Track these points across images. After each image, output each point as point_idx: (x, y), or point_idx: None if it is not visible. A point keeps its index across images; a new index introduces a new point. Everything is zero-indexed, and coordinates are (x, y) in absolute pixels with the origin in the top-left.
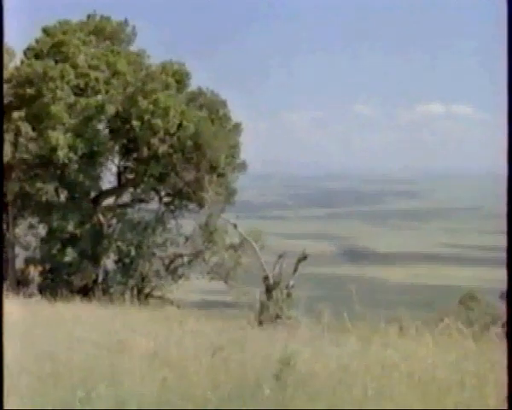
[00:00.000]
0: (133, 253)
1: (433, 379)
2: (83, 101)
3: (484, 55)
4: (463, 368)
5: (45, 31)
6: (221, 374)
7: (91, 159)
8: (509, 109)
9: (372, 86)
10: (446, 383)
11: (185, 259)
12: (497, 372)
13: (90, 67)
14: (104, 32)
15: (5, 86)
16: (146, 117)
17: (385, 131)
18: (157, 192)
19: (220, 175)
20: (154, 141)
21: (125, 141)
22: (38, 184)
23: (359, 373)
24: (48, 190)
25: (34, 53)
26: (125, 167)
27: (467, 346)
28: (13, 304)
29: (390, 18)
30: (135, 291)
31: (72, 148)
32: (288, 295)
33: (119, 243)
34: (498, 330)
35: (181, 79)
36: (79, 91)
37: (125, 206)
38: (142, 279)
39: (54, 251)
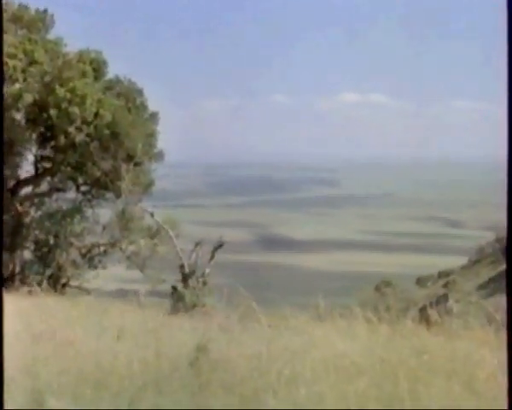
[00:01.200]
0: (51, 242)
1: (346, 365)
2: None
3: (395, 44)
4: (377, 354)
5: None
6: (137, 363)
7: (10, 148)
8: (508, 106)
9: (290, 75)
10: (360, 368)
11: (102, 248)
12: (411, 357)
13: (7, 55)
14: (22, 20)
15: None
16: (63, 105)
17: (303, 120)
18: (74, 181)
19: (137, 164)
20: (71, 129)
21: (42, 129)
22: None
23: (273, 359)
24: None
25: None
26: (42, 156)
27: (382, 332)
28: None
29: (307, 6)
30: (52, 281)
31: None
32: (204, 283)
33: (37, 233)
34: (414, 315)
35: (98, 67)
36: None
37: (42, 195)
38: (59, 269)
39: None
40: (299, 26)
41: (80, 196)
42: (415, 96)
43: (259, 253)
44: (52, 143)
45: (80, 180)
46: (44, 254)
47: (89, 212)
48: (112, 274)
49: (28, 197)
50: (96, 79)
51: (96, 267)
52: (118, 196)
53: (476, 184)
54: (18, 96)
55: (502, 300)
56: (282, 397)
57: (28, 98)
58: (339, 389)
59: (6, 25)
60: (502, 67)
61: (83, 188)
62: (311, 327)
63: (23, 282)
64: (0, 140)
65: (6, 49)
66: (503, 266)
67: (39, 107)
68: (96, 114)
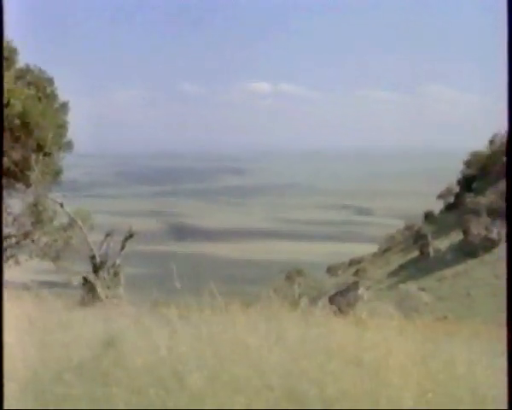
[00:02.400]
0: None
1: (252, 356)
2: None
3: (307, 34)
4: (283, 344)
5: None
6: (47, 354)
7: None
8: (508, 106)
9: (201, 65)
10: (266, 360)
11: (14, 239)
12: (323, 344)
13: None
14: None
15: None
16: None
17: (213, 109)
18: None
19: (47, 154)
20: None
21: None
22: None
23: (181, 349)
24: None
25: None
26: None
27: (291, 320)
28: None
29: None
30: None
31: None
32: (115, 273)
33: None
34: (325, 304)
35: (8, 55)
36: None
37: None
38: None
39: None
40: (211, 14)
41: None
42: (328, 86)
43: (170, 242)
44: None
45: None
46: None
47: None
48: (24, 266)
49: None
50: (7, 67)
51: (8, 259)
52: (27, 186)
53: (388, 173)
54: None
55: (411, 287)
56: (186, 387)
57: None
58: (244, 379)
59: None
60: (419, 57)
61: None
62: (220, 316)
63: None
64: (0, 140)
65: None
66: (413, 254)
67: None
68: (7, 104)
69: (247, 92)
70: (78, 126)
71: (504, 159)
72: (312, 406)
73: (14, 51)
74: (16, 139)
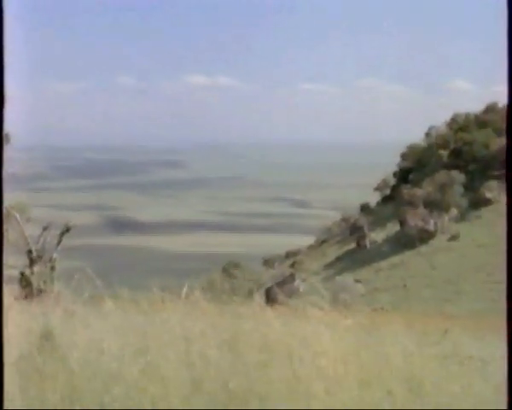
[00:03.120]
0: None
1: (185, 347)
2: None
3: (243, 29)
4: (219, 336)
5: None
6: None
7: None
8: (508, 105)
9: (137, 58)
10: (199, 349)
11: None
12: (257, 337)
13: None
14: None
15: None
16: None
17: (149, 102)
18: None
19: None
20: None
21: None
22: None
23: (117, 342)
24: None
25: None
26: None
27: (225, 313)
28: None
29: None
30: None
31: None
32: (52, 267)
33: None
34: (261, 296)
35: None
36: None
37: None
38: None
39: None
40: (148, 6)
41: None
42: (262, 79)
43: (108, 236)
44: None
45: None
46: None
47: None
48: None
49: None
50: None
51: None
52: None
53: (324, 165)
54: None
55: (348, 278)
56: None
57: None
58: (176, 372)
59: None
60: (354, 50)
61: None
62: (158, 309)
63: None
64: (0, 140)
65: None
66: (350, 246)
67: None
68: None
69: (183, 85)
70: (15, 119)
71: (440, 151)
72: (246, 398)
73: None
74: None
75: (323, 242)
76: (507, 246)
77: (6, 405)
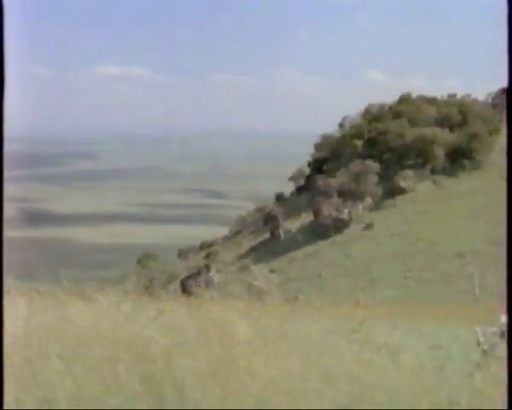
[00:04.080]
0: None
1: (104, 335)
2: None
3: (160, 19)
4: (133, 325)
5: None
6: None
7: None
8: (508, 104)
9: (51, 48)
10: (116, 337)
11: None
12: (171, 326)
13: None
14: None
15: None
16: None
17: (63, 93)
18: None
19: None
20: None
21: None
22: None
23: (32, 333)
24: None
25: None
26: None
27: (138, 304)
28: None
29: None
30: None
31: None
32: None
33: None
34: (176, 287)
35: None
36: None
37: None
38: None
39: None
40: (62, 1)
41: None
42: (177, 70)
43: (23, 228)
44: None
45: None
46: None
47: None
48: None
49: None
50: None
51: None
52: None
53: (239, 156)
54: None
55: (262, 269)
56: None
57: None
58: (96, 359)
59: None
60: (266, 42)
61: None
62: (79, 301)
63: None
64: (0, 138)
65: None
66: (264, 236)
67: None
68: None
69: (97, 76)
70: None
71: (355, 141)
72: (160, 384)
73: None
74: None
75: (238, 232)
76: (507, 245)
77: None
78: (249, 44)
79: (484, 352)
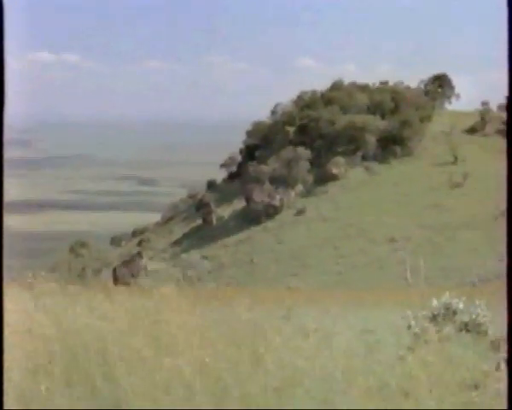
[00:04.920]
0: None
1: (38, 325)
2: None
3: (95, 6)
4: (73, 315)
5: None
6: None
7: None
8: (508, 103)
9: None
10: (49, 326)
11: None
12: (104, 314)
13: None
14: None
15: None
16: None
17: None
18: None
19: None
20: None
21: None
22: None
23: None
24: None
25: None
26: None
27: (71, 292)
28: None
29: None
30: None
31: None
32: None
33: None
34: (109, 275)
35: None
36: None
37: None
38: None
39: None
40: None
41: None
42: (109, 56)
43: None
44: None
45: None
46: None
47: None
48: None
49: None
50: None
51: None
52: None
53: (172, 144)
54: None
55: (194, 255)
56: None
57: None
58: (33, 348)
59: None
60: (200, 28)
61: None
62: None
63: None
64: (0, 140)
65: None
66: (197, 222)
67: None
68: None
69: (27, 62)
70: None
71: (287, 128)
72: (91, 371)
73: None
74: None
75: (170, 219)
76: (507, 246)
77: None
78: (181, 31)
79: (415, 335)
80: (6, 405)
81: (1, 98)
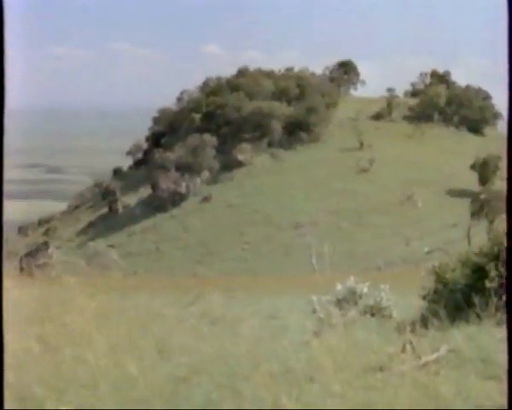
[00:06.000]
0: None
1: None
2: None
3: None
4: None
5: None
6: None
7: None
8: (509, 102)
9: None
10: None
11: None
12: (13, 304)
13: None
14: None
15: None
16: None
17: None
18: None
19: None
20: None
21: None
22: None
23: None
24: None
25: None
26: None
27: None
28: None
29: None
30: None
31: None
32: None
33: None
34: (15, 265)
35: None
36: None
37: None
38: None
39: None
40: None
41: None
42: (10, 43)
43: None
44: None
45: None
46: None
47: None
48: None
49: None
50: None
51: None
52: None
53: (78, 131)
54: None
55: (100, 244)
56: None
57: None
58: None
59: None
60: (95, 13)
61: None
62: None
63: None
64: (0, 139)
65: None
66: (103, 211)
67: None
68: None
69: None
70: None
71: (193, 115)
72: None
73: None
74: None
75: (76, 207)
76: (507, 245)
77: None
78: (84, 18)
79: (319, 320)
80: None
81: (1, 98)
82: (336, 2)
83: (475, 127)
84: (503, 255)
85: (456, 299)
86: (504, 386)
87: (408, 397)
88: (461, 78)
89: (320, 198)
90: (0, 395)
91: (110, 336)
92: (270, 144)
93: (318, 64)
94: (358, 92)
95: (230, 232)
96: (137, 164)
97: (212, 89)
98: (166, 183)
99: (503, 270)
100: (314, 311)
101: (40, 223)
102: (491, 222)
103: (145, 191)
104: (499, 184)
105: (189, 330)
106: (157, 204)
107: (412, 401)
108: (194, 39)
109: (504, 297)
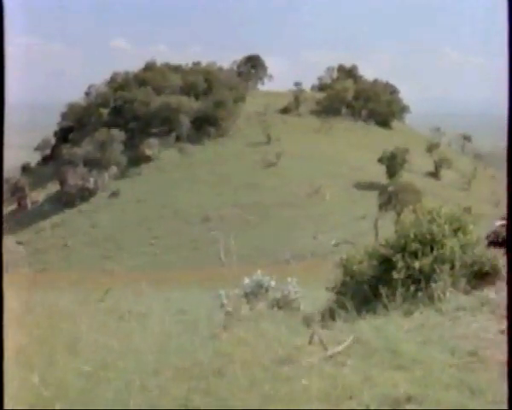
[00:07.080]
0: None
1: None
2: None
3: None
4: None
5: None
6: None
7: None
8: (509, 99)
9: None
10: None
11: None
12: None
13: None
14: None
15: None
16: None
17: None
18: None
19: None
20: None
21: None
22: None
23: None
24: None
25: None
26: None
27: None
28: None
29: None
30: None
31: None
32: None
33: None
34: None
35: None
36: None
37: None
38: None
39: None
40: None
41: None
42: None
43: None
44: None
45: None
46: None
47: None
48: None
49: None
50: None
51: None
52: None
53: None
54: None
55: (9, 241)
56: None
57: None
58: None
59: None
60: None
61: None
62: None
63: None
64: (1, 139)
65: None
66: (11, 207)
67: None
68: None
69: None
70: None
71: (101, 110)
72: None
73: None
74: None
75: None
76: (507, 245)
77: None
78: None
79: (227, 313)
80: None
81: (1, 98)
82: None
83: (383, 121)
84: (410, 247)
85: (364, 290)
86: (502, 383)
87: (316, 388)
88: (368, 72)
89: (228, 192)
90: (0, 395)
91: (19, 334)
92: (178, 139)
93: (226, 58)
94: (266, 87)
95: (139, 227)
96: (45, 160)
97: (119, 83)
98: (74, 178)
99: (409, 261)
100: (222, 305)
101: None
102: (399, 214)
103: (54, 187)
104: (406, 176)
105: (97, 325)
106: (65, 200)
107: (320, 393)
108: (100, 34)
109: (413, 288)
